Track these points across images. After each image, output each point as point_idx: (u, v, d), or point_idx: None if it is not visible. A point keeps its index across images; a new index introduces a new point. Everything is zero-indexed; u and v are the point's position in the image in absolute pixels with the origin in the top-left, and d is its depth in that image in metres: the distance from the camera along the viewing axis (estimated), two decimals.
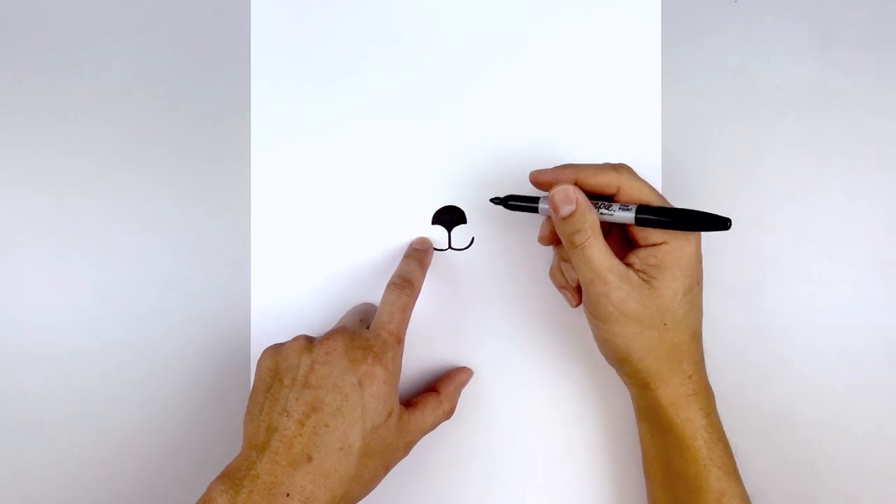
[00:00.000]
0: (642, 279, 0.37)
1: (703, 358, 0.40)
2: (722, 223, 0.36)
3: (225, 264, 0.48)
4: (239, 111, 0.48)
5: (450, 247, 0.46)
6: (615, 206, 0.38)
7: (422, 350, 0.47)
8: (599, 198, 0.39)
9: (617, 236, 0.41)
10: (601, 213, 0.38)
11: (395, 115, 0.48)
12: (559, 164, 0.40)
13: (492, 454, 0.47)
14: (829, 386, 0.46)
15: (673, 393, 0.38)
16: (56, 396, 0.47)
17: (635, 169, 0.40)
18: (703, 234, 0.38)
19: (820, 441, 0.46)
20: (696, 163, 0.47)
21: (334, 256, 0.48)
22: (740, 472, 0.40)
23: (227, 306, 0.47)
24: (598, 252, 0.37)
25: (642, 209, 0.37)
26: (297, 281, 0.47)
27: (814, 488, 0.46)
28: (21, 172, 0.47)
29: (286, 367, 0.38)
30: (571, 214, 0.38)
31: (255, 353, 0.47)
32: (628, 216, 0.38)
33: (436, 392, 0.43)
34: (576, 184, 0.39)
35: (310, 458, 0.35)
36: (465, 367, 0.45)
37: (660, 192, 0.40)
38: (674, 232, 0.37)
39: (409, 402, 0.42)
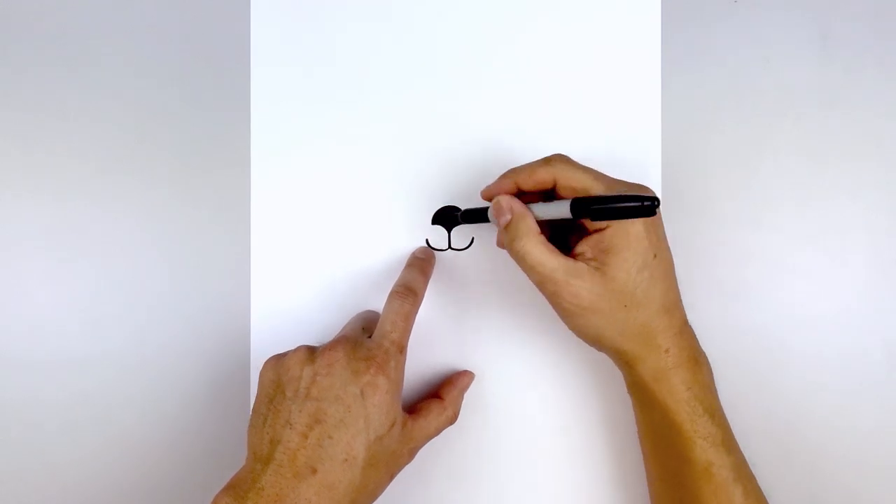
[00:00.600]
0: (593, 267, 0.37)
1: (683, 328, 0.39)
2: (647, 211, 0.34)
3: (225, 268, 0.47)
4: (239, 112, 0.48)
5: (449, 247, 0.46)
6: (553, 204, 0.38)
7: (422, 351, 0.47)
8: (544, 194, 0.39)
9: (573, 226, 0.41)
10: (541, 214, 0.38)
11: (395, 115, 0.48)
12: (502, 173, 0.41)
13: (493, 455, 0.47)
14: (829, 386, 0.46)
15: (652, 368, 0.39)
16: (56, 400, 0.47)
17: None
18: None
19: (820, 441, 0.46)
20: (696, 163, 0.47)
21: (334, 257, 0.47)
22: None
23: (228, 310, 0.47)
24: (539, 255, 0.38)
25: (575, 204, 0.37)
26: (298, 280, 0.47)
27: (814, 488, 0.46)
28: (21, 173, 0.47)
29: (288, 379, 0.38)
30: (508, 223, 0.39)
31: (256, 355, 0.47)
32: (564, 211, 0.37)
33: (439, 398, 0.43)
34: (517, 187, 0.40)
35: (314, 471, 0.36)
36: (466, 371, 0.45)
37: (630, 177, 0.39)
38: None
39: (413, 408, 0.42)
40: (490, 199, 0.41)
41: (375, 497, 0.39)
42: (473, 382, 0.46)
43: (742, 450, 0.40)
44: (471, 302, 0.47)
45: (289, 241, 0.48)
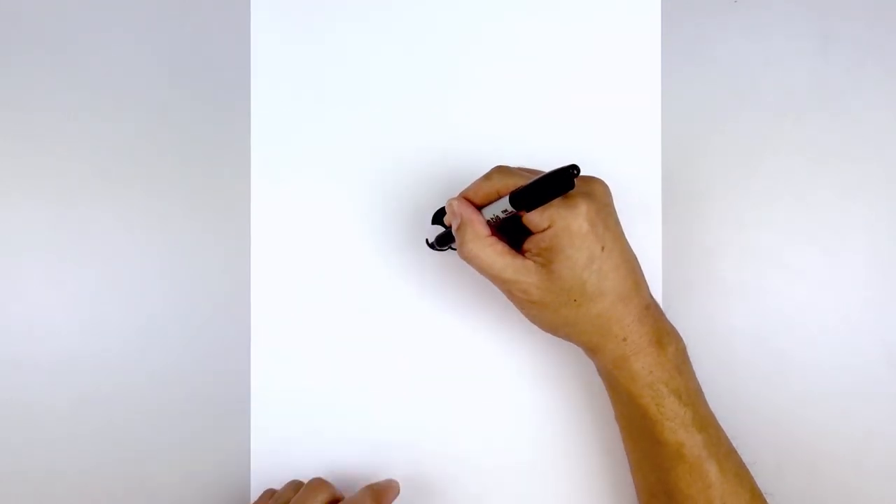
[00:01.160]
0: (539, 263, 0.38)
1: (642, 314, 0.39)
2: (565, 182, 0.35)
3: (225, 267, 0.47)
4: (239, 112, 0.48)
5: (449, 247, 0.46)
6: (499, 201, 0.38)
7: (422, 351, 0.47)
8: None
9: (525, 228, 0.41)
10: (493, 217, 0.39)
11: (395, 116, 0.48)
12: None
13: (494, 454, 0.47)
14: (828, 386, 0.46)
15: (611, 357, 0.39)
16: (56, 400, 0.47)
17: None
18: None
19: (820, 441, 0.46)
20: (696, 163, 0.47)
21: (334, 257, 0.48)
22: None
23: (228, 310, 0.47)
24: (487, 257, 0.39)
25: (512, 196, 0.37)
26: (298, 280, 0.47)
27: (814, 488, 0.46)
28: (21, 174, 0.47)
29: None
30: (458, 228, 0.40)
31: (256, 355, 0.47)
32: (508, 208, 0.38)
33: None
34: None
35: None
36: (391, 482, 0.44)
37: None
38: (557, 212, 0.37)
39: None
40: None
41: None
42: (472, 381, 0.47)
43: (741, 450, 0.40)
44: (470, 301, 0.47)
45: (289, 241, 0.48)
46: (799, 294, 0.47)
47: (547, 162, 0.45)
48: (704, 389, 0.41)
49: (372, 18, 0.48)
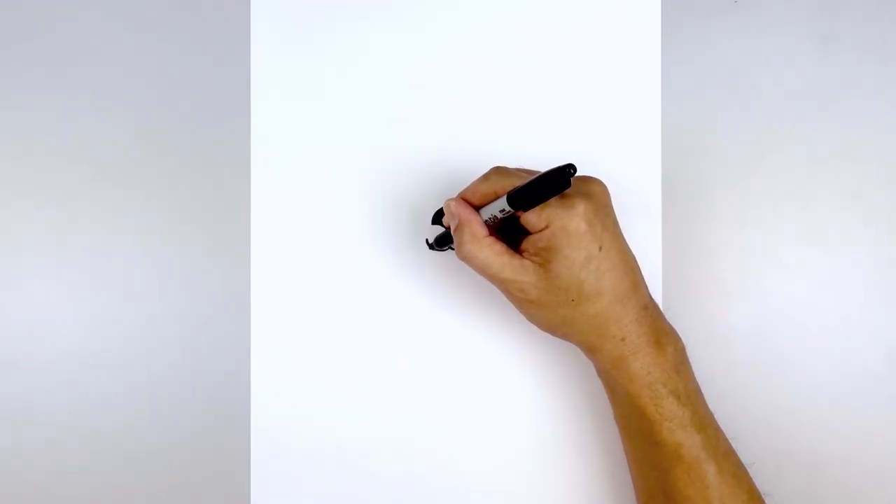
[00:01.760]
0: (537, 263, 0.38)
1: (640, 315, 0.39)
2: (561, 182, 0.35)
3: (225, 267, 0.47)
4: (239, 112, 0.48)
5: (449, 247, 0.46)
6: (497, 201, 0.39)
7: (421, 351, 0.47)
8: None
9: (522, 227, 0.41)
10: (491, 217, 0.39)
11: (395, 115, 0.48)
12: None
13: (493, 454, 0.47)
14: (828, 386, 0.46)
15: (609, 357, 0.39)
16: (56, 400, 0.47)
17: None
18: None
19: (820, 441, 0.46)
20: (696, 163, 0.47)
21: (334, 256, 0.48)
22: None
23: (228, 310, 0.47)
24: (485, 258, 0.39)
25: (510, 196, 0.37)
26: (298, 280, 0.47)
27: (813, 488, 0.46)
28: (21, 174, 0.47)
29: None
30: (455, 229, 0.40)
31: (256, 355, 0.47)
32: (506, 208, 0.38)
33: None
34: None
35: None
36: None
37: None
38: (554, 212, 0.37)
39: None
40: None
41: None
42: (473, 381, 0.47)
43: (741, 450, 0.40)
44: (470, 301, 0.47)
45: (289, 241, 0.48)
46: (799, 294, 0.47)
47: (547, 162, 0.45)
48: (704, 389, 0.41)
49: (372, 18, 0.48)
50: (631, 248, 0.40)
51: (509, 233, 0.40)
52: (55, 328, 0.47)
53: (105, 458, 0.47)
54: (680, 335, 0.40)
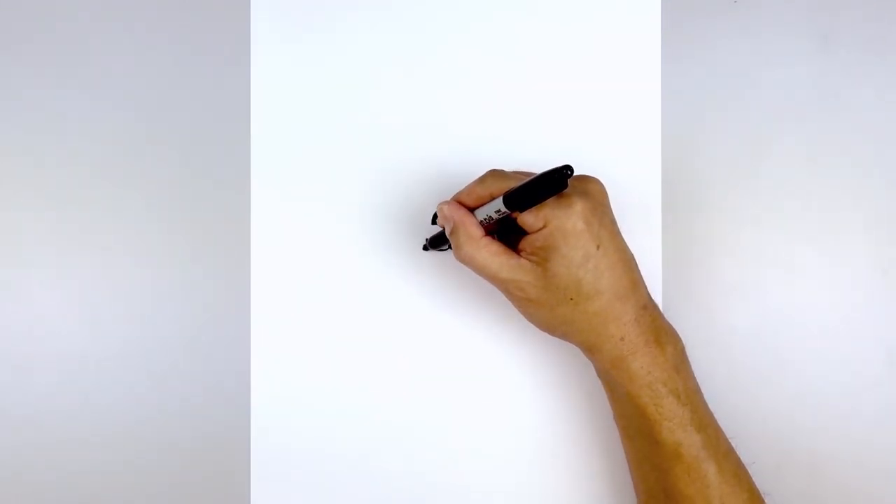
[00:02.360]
0: (534, 262, 0.38)
1: (640, 314, 0.39)
2: (558, 183, 0.35)
3: (225, 266, 0.48)
4: (239, 112, 0.48)
5: (449, 247, 0.46)
6: (493, 202, 0.39)
7: (421, 351, 0.47)
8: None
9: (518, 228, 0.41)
10: (487, 218, 0.39)
11: (394, 115, 0.48)
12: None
13: (493, 454, 0.47)
14: (828, 386, 0.46)
15: (609, 356, 0.39)
16: (56, 400, 0.47)
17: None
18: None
19: (819, 441, 0.46)
20: (696, 163, 0.47)
21: (334, 256, 0.48)
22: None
23: (228, 309, 0.47)
24: (483, 259, 0.39)
25: (506, 197, 0.37)
26: (298, 280, 0.47)
27: (813, 488, 0.46)
28: (21, 174, 0.47)
29: None
30: (451, 232, 0.40)
31: (257, 355, 0.47)
32: (502, 208, 0.38)
33: None
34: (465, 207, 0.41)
35: None
36: None
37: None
38: (551, 211, 0.37)
39: None
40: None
41: None
42: (473, 381, 0.47)
43: (741, 450, 0.40)
44: (470, 302, 0.47)
45: (288, 241, 0.48)
46: (799, 294, 0.47)
47: (547, 161, 0.45)
48: (704, 389, 0.41)
49: (371, 19, 0.48)
50: (631, 248, 0.40)
51: (506, 233, 0.40)
52: (55, 328, 0.47)
53: (105, 458, 0.47)
54: (680, 335, 0.41)
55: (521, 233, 0.39)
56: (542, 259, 0.38)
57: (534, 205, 0.37)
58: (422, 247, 0.46)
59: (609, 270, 0.38)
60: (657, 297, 0.42)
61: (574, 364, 0.46)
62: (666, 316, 0.41)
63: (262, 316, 0.47)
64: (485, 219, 0.39)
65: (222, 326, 0.47)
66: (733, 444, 0.40)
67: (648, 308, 0.40)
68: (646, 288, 0.40)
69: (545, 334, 0.41)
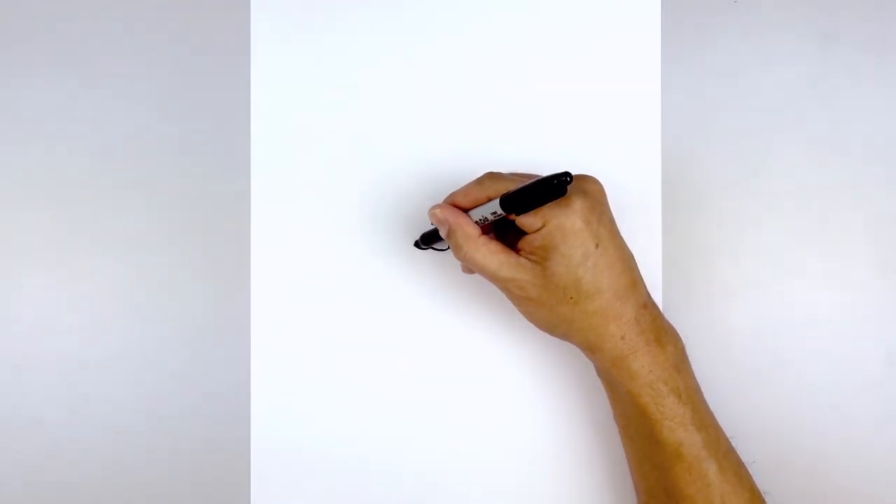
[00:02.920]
0: (534, 261, 0.38)
1: (639, 313, 0.39)
2: (557, 189, 0.35)
3: (225, 266, 0.47)
4: (239, 112, 0.48)
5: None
6: (489, 203, 0.39)
7: (421, 351, 0.47)
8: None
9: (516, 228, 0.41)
10: (482, 219, 0.39)
11: (394, 115, 0.48)
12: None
13: (493, 454, 0.47)
14: (828, 386, 0.46)
15: (609, 356, 0.39)
16: (56, 401, 0.47)
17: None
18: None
19: (819, 441, 0.46)
20: (696, 163, 0.47)
21: (334, 255, 0.47)
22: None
23: (229, 309, 0.47)
24: (482, 258, 0.39)
25: (503, 200, 0.38)
26: (297, 279, 0.47)
27: (813, 488, 0.46)
28: (21, 174, 0.47)
29: None
30: (448, 233, 0.40)
31: (257, 354, 0.47)
32: (498, 208, 0.38)
33: None
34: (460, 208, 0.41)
35: None
36: None
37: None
38: (550, 211, 0.37)
39: None
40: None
41: None
42: (474, 381, 0.47)
43: (741, 450, 0.40)
44: (469, 302, 0.47)
45: (288, 241, 0.48)
46: (799, 294, 0.47)
47: (546, 162, 0.45)
48: (704, 389, 0.41)
49: (371, 18, 0.48)
50: (631, 248, 0.40)
51: (505, 232, 0.40)
52: (55, 328, 0.47)
53: (105, 458, 0.47)
54: (680, 335, 0.41)
55: (518, 232, 0.39)
56: (541, 258, 0.38)
57: (531, 209, 0.37)
58: (413, 243, 0.45)
59: (608, 269, 0.38)
60: (657, 296, 0.42)
61: (574, 364, 0.46)
62: (666, 316, 0.41)
63: (262, 316, 0.47)
64: (480, 219, 0.39)
65: (222, 326, 0.47)
66: (733, 444, 0.40)
67: (648, 307, 0.40)
68: (645, 287, 0.40)
69: (545, 334, 0.41)
